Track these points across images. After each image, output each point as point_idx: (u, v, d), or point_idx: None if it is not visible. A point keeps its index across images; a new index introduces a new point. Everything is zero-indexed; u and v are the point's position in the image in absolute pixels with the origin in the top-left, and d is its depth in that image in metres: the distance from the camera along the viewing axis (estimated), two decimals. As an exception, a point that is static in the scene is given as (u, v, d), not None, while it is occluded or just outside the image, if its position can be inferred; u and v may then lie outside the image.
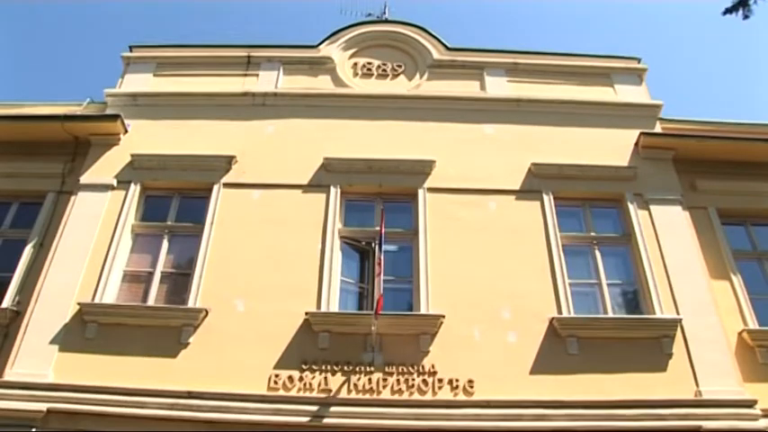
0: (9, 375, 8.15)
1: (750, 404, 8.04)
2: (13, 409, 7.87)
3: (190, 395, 7.98)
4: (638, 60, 11.89)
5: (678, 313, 8.73)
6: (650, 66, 11.76)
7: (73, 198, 9.76)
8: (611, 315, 8.91)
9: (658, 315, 8.74)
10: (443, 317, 8.57)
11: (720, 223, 9.88)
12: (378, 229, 8.64)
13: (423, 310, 8.68)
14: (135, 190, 9.89)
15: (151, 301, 8.97)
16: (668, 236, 9.50)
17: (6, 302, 8.87)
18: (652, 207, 9.80)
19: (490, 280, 9.01)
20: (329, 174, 10.04)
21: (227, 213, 9.62)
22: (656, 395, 8.09)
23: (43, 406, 7.90)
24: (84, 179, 9.94)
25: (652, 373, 8.32)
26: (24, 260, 9.28)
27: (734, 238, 9.87)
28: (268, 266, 9.08)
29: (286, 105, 11.02)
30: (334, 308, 8.80)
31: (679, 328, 8.61)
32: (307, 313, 8.56)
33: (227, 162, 10.12)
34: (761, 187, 10.24)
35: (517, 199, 9.85)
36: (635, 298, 9.21)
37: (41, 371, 8.18)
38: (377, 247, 8.46)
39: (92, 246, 9.25)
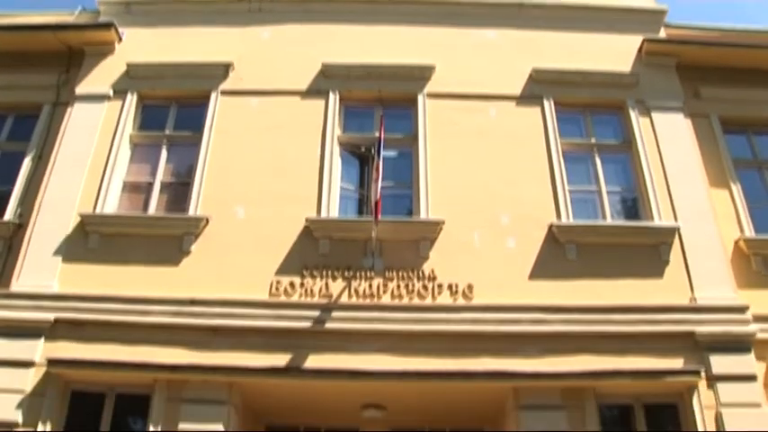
0: (15, 287, 8.28)
1: (742, 310, 8.20)
2: (22, 320, 8.03)
3: (193, 302, 8.13)
4: (644, -36, 11.51)
5: (676, 221, 8.78)
6: (656, -31, 11.37)
7: (69, 109, 9.65)
8: (609, 222, 8.98)
9: (657, 222, 8.79)
10: (443, 222, 8.62)
11: (722, 131, 9.80)
12: (377, 134, 8.59)
13: (422, 216, 8.73)
14: (132, 99, 9.77)
15: (152, 211, 9.01)
16: (669, 143, 9.44)
17: (8, 215, 8.91)
18: (653, 114, 9.70)
19: (490, 186, 9.02)
20: (328, 80, 9.90)
21: (226, 121, 9.54)
22: (651, 301, 8.25)
23: (50, 315, 8.06)
24: (79, 90, 9.80)
25: (648, 280, 8.44)
26: (24, 173, 9.26)
27: (735, 147, 9.82)
28: (268, 174, 9.07)
29: (282, 10, 10.69)
30: (334, 214, 8.86)
31: (677, 236, 8.68)
32: (307, 219, 8.61)
33: (225, 69, 9.95)
34: (765, 95, 10.09)
35: (517, 105, 9.75)
36: (634, 205, 9.26)
37: (46, 282, 8.30)
38: (376, 153, 8.43)
39: (90, 157, 9.21)
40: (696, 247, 8.63)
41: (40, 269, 8.40)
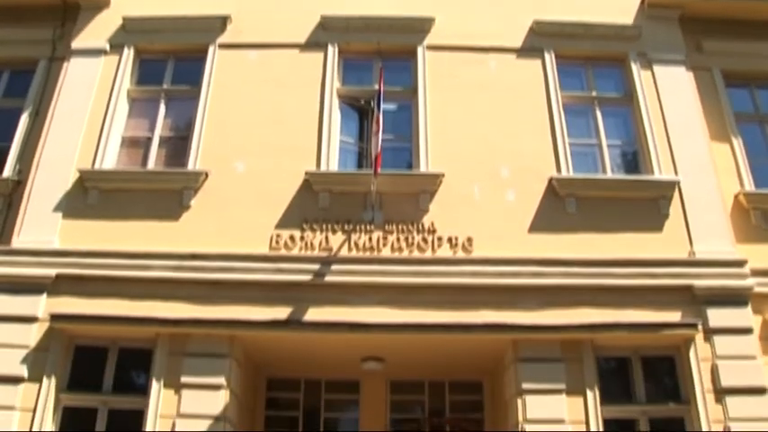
0: (16, 243, 8.30)
1: (741, 264, 8.24)
2: (24, 276, 8.07)
3: (194, 257, 8.16)
4: None
5: (676, 174, 8.77)
6: None
7: (65, 64, 9.54)
8: (610, 175, 8.97)
9: (657, 176, 8.78)
10: (443, 175, 8.61)
11: (724, 85, 9.69)
12: (376, 87, 8.52)
13: (422, 169, 8.72)
14: (128, 54, 9.65)
15: (151, 166, 8.98)
16: (670, 97, 9.37)
17: (7, 172, 8.88)
18: (655, 67, 9.60)
19: (490, 139, 8.98)
20: (326, 32, 9.78)
21: (224, 75, 9.44)
22: (650, 254, 8.28)
23: (52, 271, 8.10)
24: (75, 44, 9.68)
25: (648, 233, 8.47)
26: (21, 129, 9.20)
27: (737, 101, 9.73)
28: (267, 127, 9.03)
29: (280, -40, 10.51)
30: (334, 167, 8.85)
31: (677, 190, 8.68)
32: (307, 173, 8.59)
33: (222, 22, 9.81)
34: (768, 49, 9.98)
35: (518, 57, 9.65)
36: (634, 159, 9.23)
37: (47, 238, 8.33)
38: (375, 106, 8.37)
39: (88, 112, 9.14)
40: (696, 200, 8.64)
41: (41, 225, 8.41)
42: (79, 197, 8.61)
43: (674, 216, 8.58)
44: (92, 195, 8.63)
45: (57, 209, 8.53)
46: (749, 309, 8.07)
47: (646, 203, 8.64)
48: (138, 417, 7.64)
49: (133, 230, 8.39)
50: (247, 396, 8.74)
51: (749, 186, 8.95)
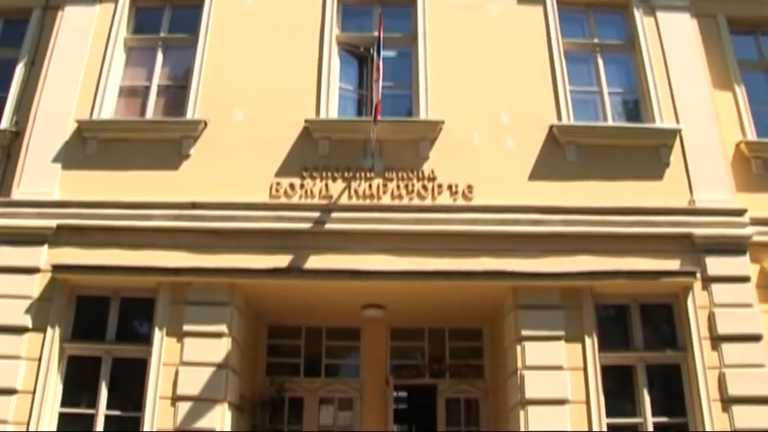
0: (16, 194, 8.30)
1: (740, 213, 8.26)
2: (25, 227, 8.10)
3: (194, 206, 8.17)
4: None
5: (678, 122, 8.72)
6: None
7: (60, 13, 9.37)
8: (610, 123, 8.92)
9: (658, 124, 8.74)
10: (443, 122, 8.57)
11: (729, 32, 9.57)
12: (376, 34, 8.38)
13: (422, 116, 8.67)
14: (124, 2, 9.46)
15: (149, 115, 8.92)
16: (673, 43, 9.26)
17: (5, 123, 8.84)
18: (659, 14, 9.45)
19: (490, 85, 8.91)
20: (325, -23, 9.61)
21: (222, 22, 9.28)
22: (650, 203, 8.29)
23: (53, 222, 8.13)
24: (69, -8, 9.50)
25: (648, 182, 8.47)
26: (17, 80, 9.13)
27: (741, 48, 9.63)
28: (265, 75, 8.94)
29: None
30: (334, 115, 8.80)
31: (678, 138, 8.64)
32: (306, 121, 8.54)
33: (219, -33, 9.62)
34: (775, -6, 9.78)
35: (519, 3, 9.46)
36: (635, 107, 9.17)
37: (47, 189, 8.33)
38: (375, 53, 8.26)
39: (84, 62, 9.03)
40: (697, 149, 8.61)
41: (40, 177, 8.40)
42: (78, 148, 8.57)
43: (674, 164, 8.55)
44: (90, 146, 8.59)
45: (56, 160, 8.50)
46: (747, 258, 8.14)
47: (646, 151, 8.60)
48: (142, 365, 7.74)
49: (133, 180, 8.38)
50: (249, 344, 8.85)
51: (751, 135, 8.91)
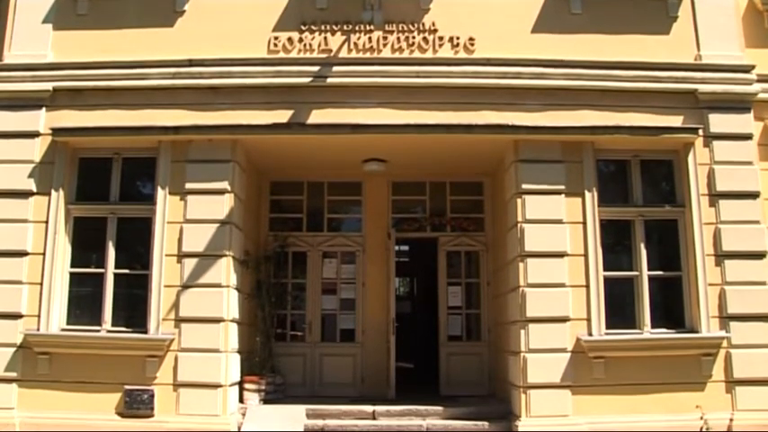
0: (9, 58, 8.14)
1: (747, 69, 8.10)
2: (20, 91, 8.00)
3: (191, 63, 8.04)
4: None
5: (686, -36, 8.34)
6: None
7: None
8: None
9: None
10: (444, -21, 8.26)
11: None
12: None
13: (424, -30, 8.30)
14: None
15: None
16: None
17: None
18: None
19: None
20: None
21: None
22: (656, 58, 8.13)
23: (48, 85, 8.02)
24: None
25: (654, 36, 8.26)
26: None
27: None
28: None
29: None
30: (332, -35, 8.44)
31: (688, -18, 8.30)
32: (305, -33, 8.22)
33: None
34: None
35: None
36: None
37: (40, 51, 8.16)
38: None
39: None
40: (706, 1, 8.30)
41: (32, 39, 8.20)
42: (68, 6, 8.30)
43: (682, 18, 8.32)
44: (81, 4, 8.32)
45: (46, 20, 8.27)
46: (751, 115, 8.07)
47: (654, 4, 8.35)
48: (147, 224, 7.84)
49: (127, 39, 8.18)
50: (251, 200, 8.95)
51: (769, -9, 8.57)
